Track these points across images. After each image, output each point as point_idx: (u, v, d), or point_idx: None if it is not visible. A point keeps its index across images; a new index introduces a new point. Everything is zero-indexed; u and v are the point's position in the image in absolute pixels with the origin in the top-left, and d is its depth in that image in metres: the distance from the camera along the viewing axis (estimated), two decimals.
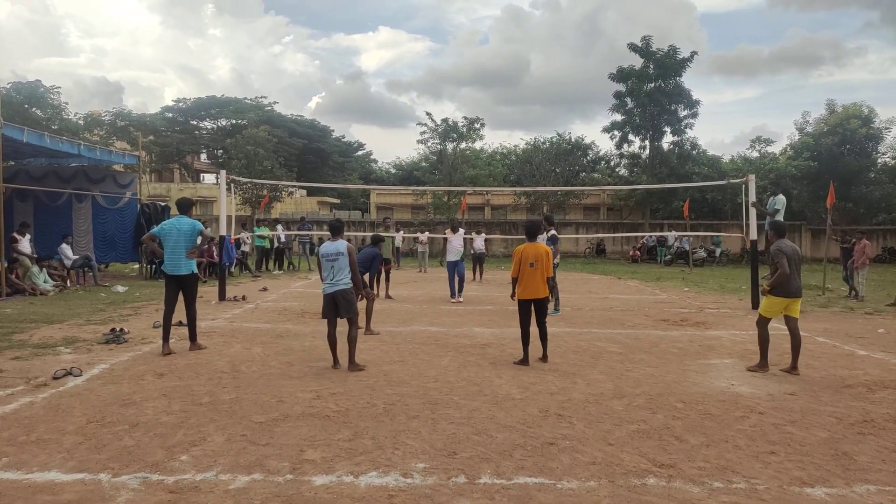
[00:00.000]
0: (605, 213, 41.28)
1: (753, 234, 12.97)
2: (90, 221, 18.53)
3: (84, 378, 6.30)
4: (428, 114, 38.07)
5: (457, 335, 9.19)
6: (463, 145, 36.30)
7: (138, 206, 18.53)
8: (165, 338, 7.65)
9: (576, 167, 39.50)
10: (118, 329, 8.69)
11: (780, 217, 11.96)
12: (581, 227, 35.43)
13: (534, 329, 7.37)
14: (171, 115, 48.54)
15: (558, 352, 7.90)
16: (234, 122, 46.43)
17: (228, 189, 14.70)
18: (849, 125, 32.90)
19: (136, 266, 19.06)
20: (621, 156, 37.59)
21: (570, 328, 9.99)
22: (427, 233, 24.67)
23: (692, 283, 18.64)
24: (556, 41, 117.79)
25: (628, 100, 33.87)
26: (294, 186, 38.86)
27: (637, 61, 33.49)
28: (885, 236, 33.24)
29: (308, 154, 48.43)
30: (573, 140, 39.91)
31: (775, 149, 38.35)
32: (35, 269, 13.84)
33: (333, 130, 57.23)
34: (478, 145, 38.41)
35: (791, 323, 7.03)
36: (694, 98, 33.64)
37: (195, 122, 49.72)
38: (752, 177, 13.25)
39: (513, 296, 7.42)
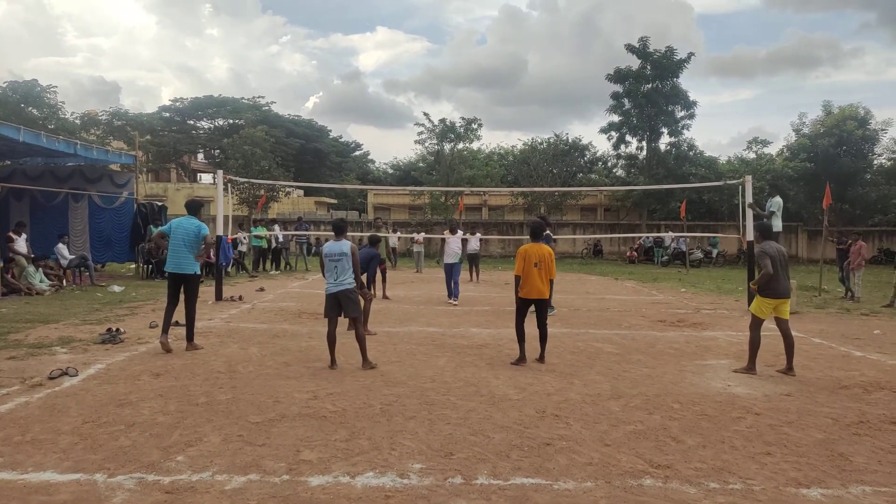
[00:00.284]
0: (602, 213, 41.32)
1: (750, 236, 12.97)
2: (87, 221, 18.48)
3: (80, 378, 6.28)
4: (425, 114, 37.88)
5: (454, 336, 9.19)
6: (460, 146, 36.28)
7: (135, 205, 18.48)
8: (165, 329, 7.71)
9: (573, 168, 39.54)
10: (114, 329, 8.66)
11: (776, 219, 12.01)
12: (578, 228, 35.48)
13: (532, 330, 7.38)
14: (168, 114, 48.51)
15: (555, 352, 7.90)
16: (231, 121, 46.43)
17: (225, 189, 14.68)
18: (845, 126, 33.00)
19: (133, 266, 19.00)
20: (618, 157, 37.71)
21: (567, 329, 9.99)
22: (423, 233, 24.66)
23: (689, 284, 18.68)
24: (554, 42, 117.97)
25: (625, 101, 33.95)
26: (291, 186, 38.78)
27: (634, 62, 33.58)
28: (880, 238, 33.36)
29: (305, 154, 48.44)
30: (570, 141, 39.93)
31: (772, 150, 38.40)
32: (31, 268, 13.80)
33: (331, 130, 57.39)
34: (475, 146, 38.41)
35: (782, 325, 7.06)
36: (691, 99, 33.79)
37: (192, 122, 49.71)
38: (748, 178, 13.28)
39: (517, 293, 7.43)
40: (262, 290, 15.03)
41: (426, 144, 37.12)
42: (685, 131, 34.37)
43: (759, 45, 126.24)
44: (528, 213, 36.92)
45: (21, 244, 14.19)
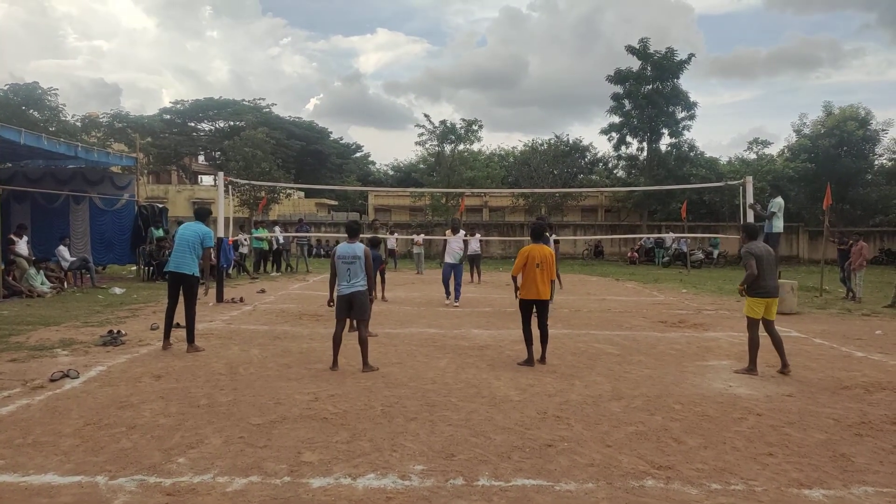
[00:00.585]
0: (602, 214, 41.30)
1: None
2: (87, 223, 18.47)
3: (81, 380, 6.28)
4: (426, 115, 37.80)
5: (455, 337, 9.19)
6: (461, 147, 36.27)
7: (136, 207, 18.49)
8: (166, 335, 7.87)
9: (574, 169, 39.56)
10: (115, 331, 8.66)
11: (778, 220, 12.00)
12: (579, 229, 35.44)
13: (535, 330, 7.38)
14: (168, 116, 48.56)
15: (556, 353, 7.90)
16: (231, 123, 46.48)
17: (226, 191, 14.69)
18: (846, 127, 33.00)
19: (134, 268, 19.02)
20: (619, 157, 37.66)
21: (568, 330, 9.99)
22: (423, 234, 24.63)
23: (690, 285, 18.66)
24: (554, 43, 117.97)
25: (626, 102, 33.92)
26: (292, 188, 38.78)
27: (635, 63, 33.55)
28: (882, 238, 33.29)
29: (306, 156, 48.47)
30: (571, 142, 39.96)
31: (773, 150, 38.49)
32: (32, 270, 13.80)
33: (331, 132, 57.43)
34: (476, 147, 38.41)
35: (767, 326, 7.06)
36: (691, 100, 33.73)
37: (193, 124, 49.75)
38: (749, 178, 13.25)
39: (516, 294, 7.41)
40: (262, 291, 15.04)
41: (427, 146, 37.14)
42: (686, 132, 34.36)
43: (760, 45, 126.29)
44: (529, 215, 36.90)
45: (22, 246, 14.20)
